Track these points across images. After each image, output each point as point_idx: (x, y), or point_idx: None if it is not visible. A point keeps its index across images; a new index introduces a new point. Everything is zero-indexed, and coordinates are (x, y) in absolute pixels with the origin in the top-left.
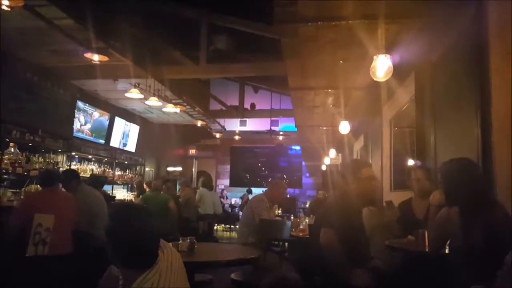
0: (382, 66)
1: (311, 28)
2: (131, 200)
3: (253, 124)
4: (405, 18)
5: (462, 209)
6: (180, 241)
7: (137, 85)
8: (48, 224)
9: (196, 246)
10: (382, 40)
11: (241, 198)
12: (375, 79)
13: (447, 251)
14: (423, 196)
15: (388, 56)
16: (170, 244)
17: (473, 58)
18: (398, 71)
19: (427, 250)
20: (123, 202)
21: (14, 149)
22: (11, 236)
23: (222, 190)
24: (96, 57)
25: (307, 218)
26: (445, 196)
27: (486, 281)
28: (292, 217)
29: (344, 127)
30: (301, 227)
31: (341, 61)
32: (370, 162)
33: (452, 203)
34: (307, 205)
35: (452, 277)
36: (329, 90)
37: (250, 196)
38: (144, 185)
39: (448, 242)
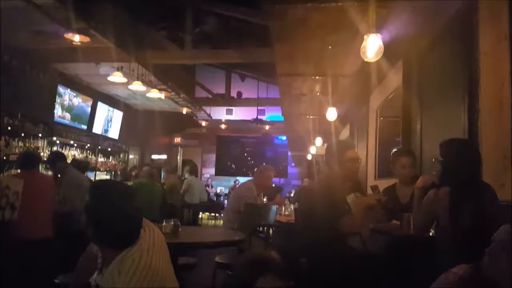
0: (372, 45)
1: (300, 10)
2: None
3: (240, 113)
4: (395, 1)
5: (456, 189)
6: (164, 223)
7: (120, 68)
8: (17, 188)
9: (180, 229)
10: (372, 20)
11: (231, 187)
12: (365, 59)
13: (431, 233)
14: (407, 181)
15: (379, 35)
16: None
17: (462, 43)
18: (386, 59)
19: (411, 233)
20: (106, 179)
21: None
22: None
23: (208, 179)
24: (77, 38)
25: (291, 205)
26: (442, 174)
27: (473, 261)
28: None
29: (332, 114)
30: (286, 212)
31: (330, 47)
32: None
33: (448, 181)
34: (292, 195)
35: (437, 258)
36: (317, 77)
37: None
38: (132, 173)
39: (434, 224)
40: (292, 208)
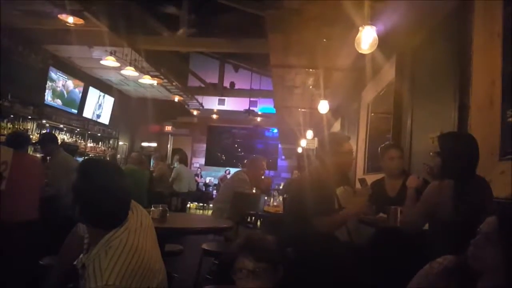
0: (367, 37)
1: (296, 0)
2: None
3: (232, 104)
4: None
5: (459, 181)
6: (152, 208)
7: (113, 52)
8: (6, 157)
9: (168, 215)
10: (367, 12)
11: (220, 179)
12: (359, 51)
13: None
14: (396, 175)
15: (373, 27)
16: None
17: (455, 39)
18: (380, 54)
19: (398, 225)
20: (92, 157)
21: None
22: None
23: (198, 168)
24: (70, 19)
25: (280, 197)
26: (443, 166)
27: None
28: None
29: (323, 107)
30: (275, 203)
31: (324, 40)
32: None
33: (449, 174)
34: (281, 187)
35: (431, 251)
36: (310, 69)
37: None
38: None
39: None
40: (281, 199)
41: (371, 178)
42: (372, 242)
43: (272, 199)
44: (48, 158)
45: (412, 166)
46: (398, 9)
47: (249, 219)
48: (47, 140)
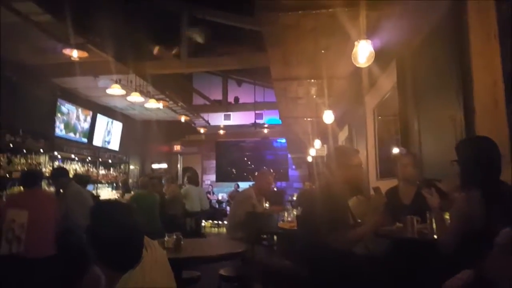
0: (363, 51)
1: (292, 16)
2: (116, 199)
3: (238, 118)
4: (385, 4)
5: (486, 190)
6: (166, 238)
7: (118, 81)
8: (22, 220)
9: (182, 242)
10: (363, 26)
11: (229, 195)
12: (357, 65)
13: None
14: (410, 182)
15: (369, 41)
16: (156, 241)
17: (453, 42)
18: (380, 60)
19: (415, 235)
20: (106, 199)
21: None
22: None
23: (209, 185)
24: (75, 53)
25: (294, 210)
26: (465, 175)
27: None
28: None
29: (328, 117)
30: (289, 219)
31: (322, 51)
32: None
33: (473, 183)
34: (294, 198)
35: (446, 262)
36: (312, 80)
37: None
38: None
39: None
40: (295, 213)
41: (383, 185)
42: (389, 254)
43: (286, 214)
44: (61, 191)
45: (424, 169)
46: (393, 15)
47: (264, 236)
48: (58, 175)
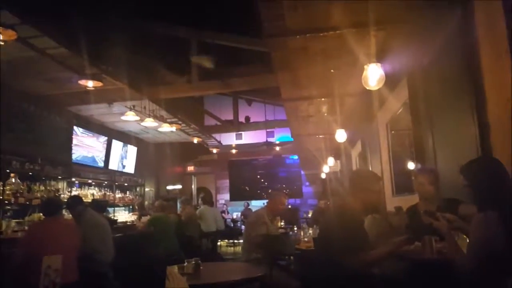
0: (373, 74)
1: (300, 40)
2: (133, 222)
3: (249, 137)
4: (393, 24)
5: (501, 211)
6: (185, 264)
7: (132, 107)
8: (57, 265)
9: (201, 268)
10: (372, 49)
11: (242, 214)
12: (367, 88)
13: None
14: (429, 199)
15: (379, 64)
16: (176, 268)
17: (464, 59)
18: (390, 77)
19: (433, 256)
20: (131, 234)
21: (15, 179)
22: (16, 266)
23: (223, 205)
24: (90, 83)
25: (310, 229)
26: (478, 198)
27: None
28: (295, 229)
29: (341, 136)
30: (306, 239)
31: (332, 70)
32: (370, 168)
33: (488, 205)
34: (310, 215)
35: (463, 285)
36: (323, 99)
37: (250, 207)
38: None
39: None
40: (311, 232)
41: (400, 202)
42: (408, 276)
43: (302, 233)
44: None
45: (440, 187)
46: (401, 35)
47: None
48: (74, 204)
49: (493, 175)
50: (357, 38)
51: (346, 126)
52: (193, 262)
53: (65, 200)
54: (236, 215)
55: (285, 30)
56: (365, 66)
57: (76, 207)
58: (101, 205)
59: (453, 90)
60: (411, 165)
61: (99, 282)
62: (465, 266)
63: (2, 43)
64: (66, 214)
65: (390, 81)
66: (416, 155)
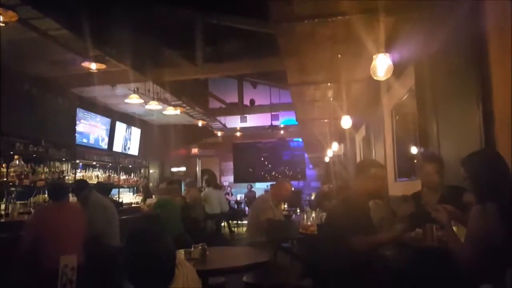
0: (382, 65)
1: (308, 25)
2: (138, 203)
3: (254, 120)
4: (402, 11)
5: (503, 203)
6: (192, 249)
7: (136, 90)
8: (73, 264)
9: (207, 253)
10: (381, 39)
11: (245, 196)
12: (375, 78)
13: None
14: (433, 187)
15: (387, 54)
16: (182, 252)
17: (472, 50)
18: (397, 63)
19: (434, 244)
20: (141, 226)
21: (19, 161)
22: (24, 251)
23: (227, 187)
24: (93, 66)
25: (313, 212)
26: (479, 190)
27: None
28: (298, 211)
29: (346, 122)
30: (309, 223)
31: (339, 55)
32: (374, 152)
33: (489, 197)
34: (313, 197)
35: (462, 274)
36: (329, 84)
37: (254, 190)
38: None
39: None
40: (314, 216)
41: (402, 186)
42: (409, 262)
43: (305, 216)
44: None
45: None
46: (409, 22)
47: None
48: (80, 187)
49: (494, 169)
50: (366, 24)
51: (351, 111)
52: (200, 247)
53: (71, 183)
54: (240, 197)
55: (293, 15)
56: (374, 56)
57: (82, 191)
58: (106, 188)
59: (459, 80)
60: (414, 150)
61: (106, 265)
62: (463, 257)
63: (3, 25)
64: (72, 197)
65: (397, 67)
66: (420, 143)
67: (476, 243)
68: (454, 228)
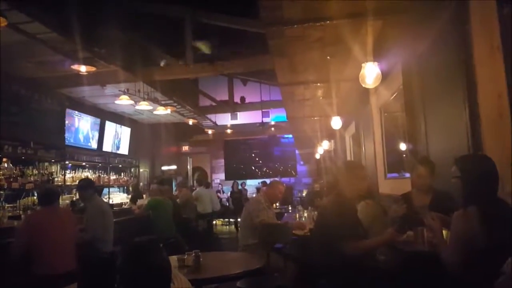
0: (370, 73)
1: (297, 29)
2: (126, 204)
3: (244, 117)
4: (389, 15)
5: (486, 207)
6: (186, 256)
7: (126, 90)
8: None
9: (201, 259)
10: (369, 48)
11: (231, 195)
12: (364, 86)
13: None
14: (424, 189)
15: (376, 63)
16: (176, 259)
17: (458, 51)
18: (386, 63)
19: (425, 247)
20: (135, 241)
21: (7, 164)
22: (15, 257)
23: (219, 184)
24: (83, 68)
25: (305, 211)
26: (466, 191)
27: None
28: (290, 209)
29: (336, 123)
30: (301, 221)
31: (328, 57)
32: (363, 149)
33: (474, 200)
34: (304, 194)
35: (451, 277)
36: (319, 84)
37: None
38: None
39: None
40: (306, 215)
41: (392, 184)
42: (399, 265)
43: (297, 215)
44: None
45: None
46: (396, 24)
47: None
48: (86, 186)
49: (485, 173)
50: (354, 26)
51: (340, 109)
52: (193, 254)
53: (61, 181)
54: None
55: (283, 19)
56: (362, 65)
57: (87, 190)
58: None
59: (446, 80)
60: (403, 147)
61: (98, 271)
62: (447, 259)
63: None
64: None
65: (385, 69)
66: (409, 141)
67: (457, 246)
68: (444, 233)
